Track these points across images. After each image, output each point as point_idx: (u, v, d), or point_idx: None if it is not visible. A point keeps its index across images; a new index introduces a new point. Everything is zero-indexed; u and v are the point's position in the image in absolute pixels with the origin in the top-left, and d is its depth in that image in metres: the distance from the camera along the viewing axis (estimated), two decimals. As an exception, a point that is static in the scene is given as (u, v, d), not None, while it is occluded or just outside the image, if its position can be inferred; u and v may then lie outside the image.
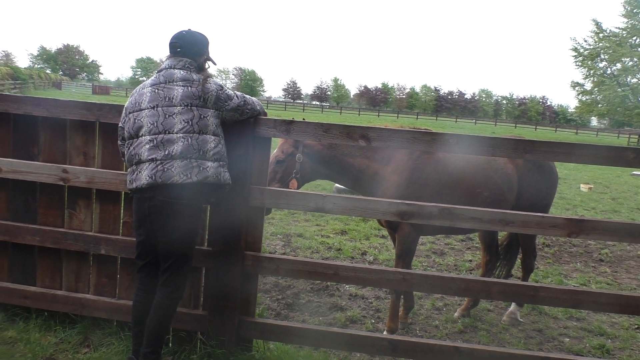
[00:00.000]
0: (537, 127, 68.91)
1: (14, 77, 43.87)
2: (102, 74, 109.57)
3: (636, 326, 4.62)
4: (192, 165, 2.67)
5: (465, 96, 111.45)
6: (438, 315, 4.61)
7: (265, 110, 3.13)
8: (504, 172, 4.14)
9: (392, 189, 3.81)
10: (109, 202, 3.35)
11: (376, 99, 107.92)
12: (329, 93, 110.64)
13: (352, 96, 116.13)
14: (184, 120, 2.69)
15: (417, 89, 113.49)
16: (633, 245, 7.40)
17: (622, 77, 41.21)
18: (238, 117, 2.94)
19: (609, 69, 42.74)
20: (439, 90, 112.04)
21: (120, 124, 2.90)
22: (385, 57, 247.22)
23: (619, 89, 40.77)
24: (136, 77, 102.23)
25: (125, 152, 2.82)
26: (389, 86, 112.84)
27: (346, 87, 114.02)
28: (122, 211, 3.36)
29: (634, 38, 40.52)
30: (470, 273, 5.78)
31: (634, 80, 40.97)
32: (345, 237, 6.86)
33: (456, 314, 4.58)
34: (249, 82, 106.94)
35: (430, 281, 3.11)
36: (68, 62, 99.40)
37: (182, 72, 2.79)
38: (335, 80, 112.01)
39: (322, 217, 7.72)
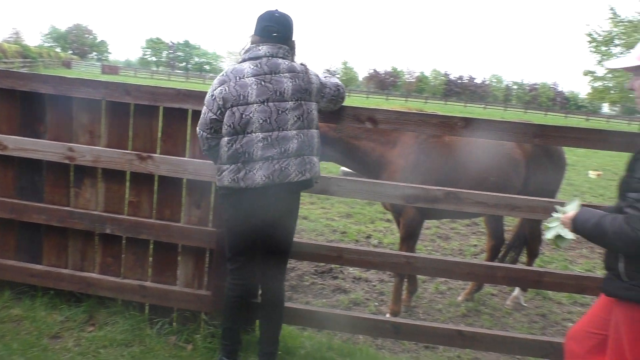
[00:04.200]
0: (547, 113, 68.13)
1: (24, 56, 43.80)
2: (110, 53, 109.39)
3: None
4: (305, 162, 2.61)
5: (475, 81, 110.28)
6: (441, 299, 4.61)
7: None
8: (511, 157, 4.10)
9: (397, 172, 3.79)
10: (114, 182, 3.35)
11: (385, 82, 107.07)
12: (337, 76, 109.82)
13: (361, 79, 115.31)
14: (296, 116, 2.56)
15: (427, 73, 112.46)
16: None
17: (636, 63, 40.35)
18: (332, 108, 2.84)
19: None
20: (448, 74, 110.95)
21: (214, 116, 2.58)
22: (395, 41, 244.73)
23: (632, 76, 40.02)
24: (145, 56, 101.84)
25: (227, 148, 2.56)
26: (399, 70, 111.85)
27: (355, 70, 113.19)
28: (127, 191, 3.36)
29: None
30: (475, 258, 5.77)
31: (648, 66, 40.13)
32: (350, 220, 6.86)
33: (460, 298, 4.59)
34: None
35: (434, 265, 3.10)
36: (78, 41, 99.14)
37: (286, 63, 2.58)
38: (344, 63, 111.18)
39: (327, 200, 7.72)
